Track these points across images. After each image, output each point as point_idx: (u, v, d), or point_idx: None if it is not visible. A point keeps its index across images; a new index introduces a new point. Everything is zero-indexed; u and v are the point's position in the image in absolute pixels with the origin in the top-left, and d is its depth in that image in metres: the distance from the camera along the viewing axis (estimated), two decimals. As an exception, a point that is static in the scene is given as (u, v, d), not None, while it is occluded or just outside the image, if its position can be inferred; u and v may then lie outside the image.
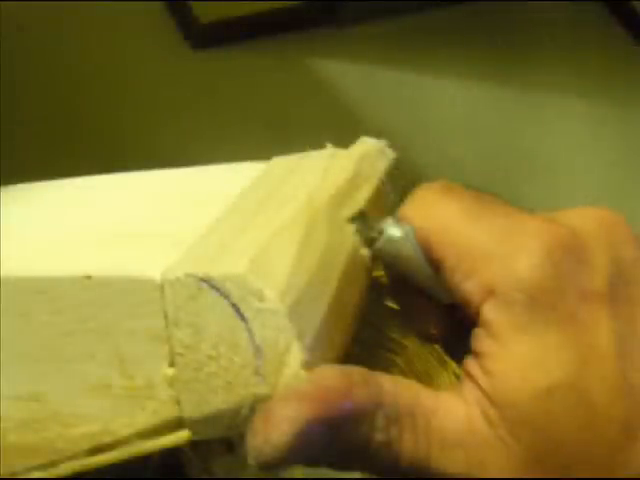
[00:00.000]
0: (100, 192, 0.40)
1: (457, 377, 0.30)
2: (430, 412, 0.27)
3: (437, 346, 0.45)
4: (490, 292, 0.27)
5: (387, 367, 0.49)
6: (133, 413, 0.28)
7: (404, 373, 0.50)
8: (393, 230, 0.29)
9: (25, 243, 0.33)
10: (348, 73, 1.90)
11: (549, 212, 0.29)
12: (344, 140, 0.38)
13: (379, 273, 0.32)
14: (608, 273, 0.27)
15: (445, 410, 0.27)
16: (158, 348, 0.27)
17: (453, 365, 0.48)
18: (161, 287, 0.27)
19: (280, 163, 0.38)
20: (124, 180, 0.40)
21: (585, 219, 0.28)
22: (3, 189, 0.41)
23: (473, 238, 0.28)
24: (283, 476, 0.36)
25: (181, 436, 0.28)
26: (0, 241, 0.32)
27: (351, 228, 0.32)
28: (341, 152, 0.37)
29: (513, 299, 0.27)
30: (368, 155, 0.36)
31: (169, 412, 0.28)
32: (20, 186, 0.42)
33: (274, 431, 0.25)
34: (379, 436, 0.26)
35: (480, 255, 0.28)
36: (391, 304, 0.35)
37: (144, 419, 0.28)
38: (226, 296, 0.26)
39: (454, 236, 0.28)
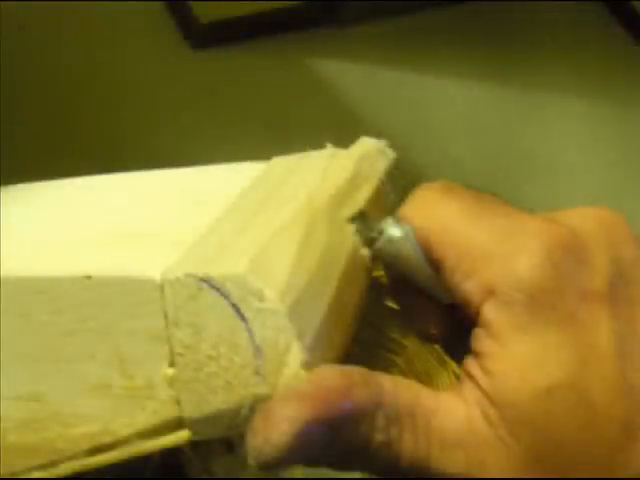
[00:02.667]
0: (100, 192, 0.40)
1: (457, 377, 0.30)
2: (430, 412, 0.27)
3: (437, 346, 0.45)
4: (490, 292, 0.27)
5: (387, 367, 0.49)
6: (133, 413, 0.28)
7: (404, 373, 0.50)
8: (393, 230, 0.29)
9: (25, 243, 0.33)
10: (348, 73, 1.89)
11: (549, 212, 0.29)
12: (344, 140, 0.38)
13: (379, 273, 0.32)
14: (608, 273, 0.27)
15: (445, 410, 0.27)
16: (158, 348, 0.27)
17: (453, 365, 0.48)
18: (161, 287, 0.27)
19: (280, 163, 0.38)
20: (124, 180, 0.40)
21: (585, 219, 0.28)
22: (3, 189, 0.41)
23: (473, 238, 0.28)
24: (283, 476, 0.36)
25: (181, 436, 0.28)
26: (0, 241, 0.32)
27: (351, 228, 0.32)
28: (341, 152, 0.37)
29: (513, 299, 0.27)
30: (368, 155, 0.36)
31: (169, 412, 0.28)
32: (20, 186, 0.42)
33: (274, 431, 0.25)
34: (379, 436, 0.26)
35: (480, 255, 0.28)
36: (391, 304, 0.35)
37: (144, 419, 0.28)
38: (226, 296, 0.26)
39: (454, 236, 0.28)
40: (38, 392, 0.29)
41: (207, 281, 0.26)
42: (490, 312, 0.27)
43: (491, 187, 0.31)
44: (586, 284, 0.27)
